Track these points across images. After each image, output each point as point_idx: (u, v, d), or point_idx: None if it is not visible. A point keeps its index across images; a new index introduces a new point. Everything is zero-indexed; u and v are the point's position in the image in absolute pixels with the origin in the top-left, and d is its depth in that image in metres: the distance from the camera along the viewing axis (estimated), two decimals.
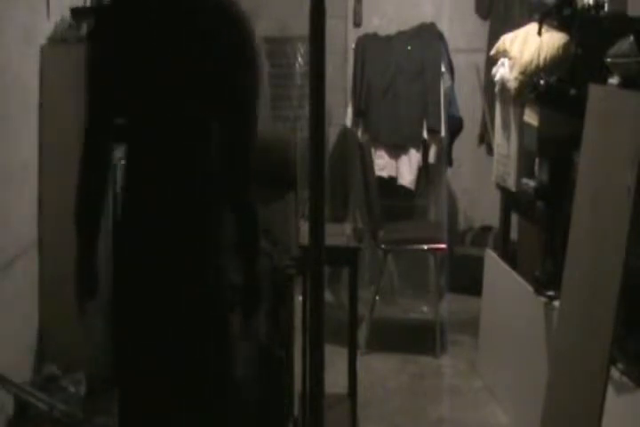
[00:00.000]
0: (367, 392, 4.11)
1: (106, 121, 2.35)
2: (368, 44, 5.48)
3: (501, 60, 4.10)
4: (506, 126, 4.19)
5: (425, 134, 5.32)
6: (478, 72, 5.63)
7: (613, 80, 3.09)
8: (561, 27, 3.70)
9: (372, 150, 5.31)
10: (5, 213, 3.30)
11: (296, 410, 3.49)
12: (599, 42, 3.21)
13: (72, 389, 3.41)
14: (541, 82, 3.58)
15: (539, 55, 3.71)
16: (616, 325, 2.63)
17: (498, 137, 4.38)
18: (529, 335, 3.71)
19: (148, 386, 2.38)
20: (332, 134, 5.78)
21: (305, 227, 3.10)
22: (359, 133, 5.43)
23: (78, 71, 3.59)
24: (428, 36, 5.47)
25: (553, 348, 3.28)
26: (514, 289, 3.96)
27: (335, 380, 3.60)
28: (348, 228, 4.05)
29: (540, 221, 3.78)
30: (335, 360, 3.68)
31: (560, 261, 3.25)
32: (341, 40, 5.72)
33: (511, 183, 4.08)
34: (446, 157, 5.50)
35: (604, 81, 3.13)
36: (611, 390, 2.71)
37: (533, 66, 3.76)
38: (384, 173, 5.39)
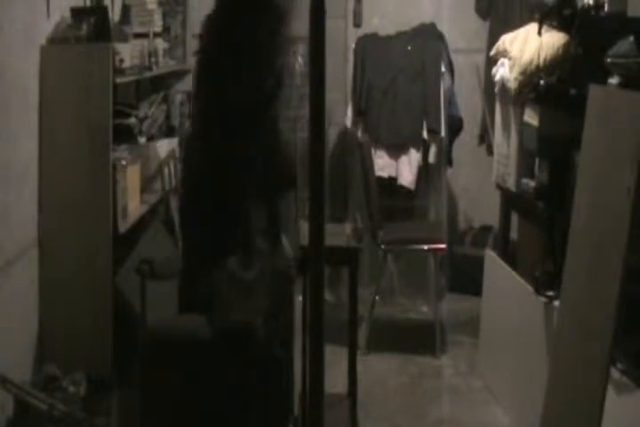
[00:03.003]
0: (367, 392, 4.12)
1: None
2: (368, 44, 5.48)
3: (501, 60, 4.10)
4: (506, 126, 4.19)
5: (425, 134, 5.32)
6: (478, 72, 5.63)
7: (613, 80, 3.10)
8: (561, 27, 3.70)
9: (372, 150, 5.30)
10: (5, 213, 3.30)
11: (296, 410, 3.49)
12: (599, 42, 3.22)
13: (72, 389, 3.41)
14: (541, 82, 3.58)
15: (539, 55, 3.70)
16: (616, 325, 2.63)
17: (498, 137, 4.38)
18: (529, 335, 3.71)
19: None
20: (331, 134, 5.78)
21: (305, 227, 3.11)
22: (359, 133, 5.42)
23: (78, 71, 3.62)
24: (428, 36, 5.47)
25: (553, 348, 3.28)
26: (514, 289, 3.96)
27: (335, 380, 3.60)
28: (347, 228, 4.05)
29: (540, 221, 3.78)
30: (335, 360, 3.68)
31: (560, 261, 3.25)
32: (341, 40, 5.71)
33: (511, 183, 4.08)
34: (446, 157, 5.49)
35: (604, 81, 3.13)
36: (611, 390, 2.71)
37: (533, 66, 3.75)
38: (384, 173, 5.39)
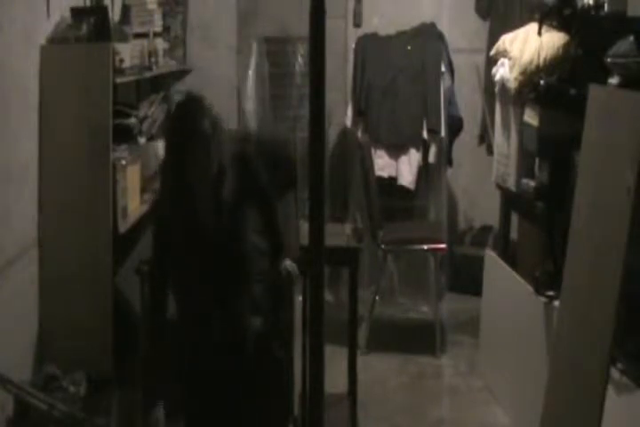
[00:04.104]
0: (367, 392, 4.12)
1: None
2: (368, 44, 5.48)
3: (501, 60, 4.10)
4: (506, 126, 4.19)
5: (425, 134, 5.32)
6: (478, 72, 5.63)
7: (613, 80, 3.10)
8: (561, 27, 3.70)
9: (372, 150, 5.30)
10: (5, 213, 3.30)
11: (296, 410, 3.49)
12: (599, 42, 3.22)
13: (72, 389, 3.41)
14: (541, 82, 3.58)
15: (539, 55, 3.70)
16: (616, 325, 2.63)
17: (498, 137, 4.38)
18: (529, 335, 3.71)
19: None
20: (331, 134, 5.78)
21: (305, 227, 3.12)
22: (359, 133, 5.42)
23: (78, 71, 3.62)
24: (428, 36, 5.47)
25: (553, 348, 3.28)
26: (514, 289, 3.96)
27: (335, 380, 3.60)
28: (347, 228, 4.05)
29: (540, 221, 3.78)
30: (335, 360, 3.69)
31: (560, 261, 3.25)
32: (341, 40, 5.71)
33: (511, 183, 4.08)
34: (446, 157, 5.49)
35: (604, 81, 3.13)
36: (611, 390, 2.71)
37: (533, 66, 3.75)
38: (384, 173, 5.39)
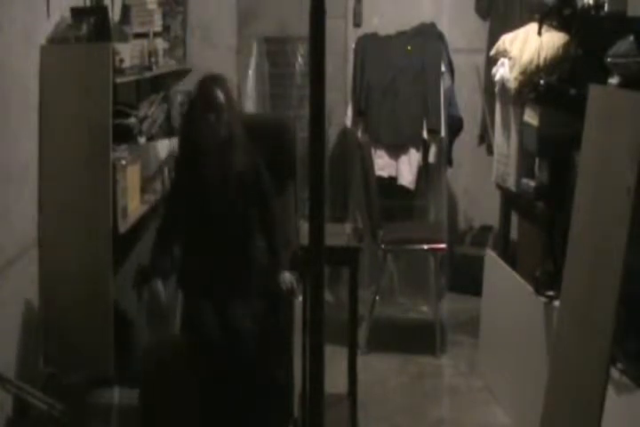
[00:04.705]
0: (367, 392, 4.12)
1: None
2: (368, 44, 5.48)
3: (501, 60, 4.10)
4: (506, 126, 4.19)
5: (425, 134, 5.32)
6: (478, 72, 5.63)
7: (613, 80, 3.10)
8: (561, 27, 3.70)
9: (372, 150, 5.30)
10: (5, 213, 3.30)
11: (296, 410, 3.49)
12: (599, 42, 3.22)
13: (72, 388, 3.40)
14: (541, 82, 3.58)
15: (539, 55, 3.71)
16: (616, 325, 2.63)
17: (498, 137, 4.38)
18: (529, 335, 3.71)
19: None
20: (332, 134, 5.78)
21: (305, 227, 3.12)
22: (359, 133, 5.42)
23: (78, 71, 3.62)
24: (428, 36, 5.47)
25: (553, 348, 3.28)
26: (514, 289, 3.96)
27: (335, 380, 3.60)
28: (348, 228, 4.05)
29: (540, 221, 3.78)
30: (335, 360, 3.69)
31: (560, 261, 3.25)
32: (341, 40, 5.71)
33: (511, 183, 4.08)
34: (446, 157, 5.49)
35: (604, 81, 3.13)
36: (611, 390, 2.71)
37: (533, 66, 3.76)
38: (384, 173, 5.39)
